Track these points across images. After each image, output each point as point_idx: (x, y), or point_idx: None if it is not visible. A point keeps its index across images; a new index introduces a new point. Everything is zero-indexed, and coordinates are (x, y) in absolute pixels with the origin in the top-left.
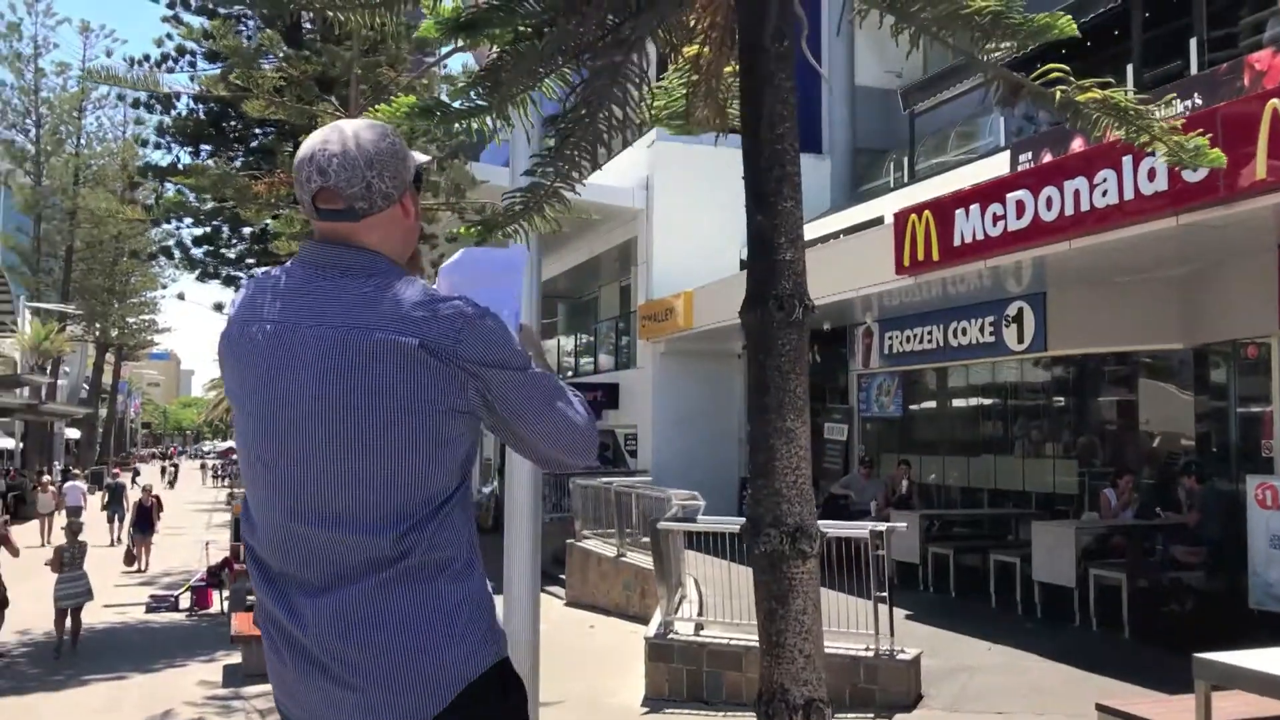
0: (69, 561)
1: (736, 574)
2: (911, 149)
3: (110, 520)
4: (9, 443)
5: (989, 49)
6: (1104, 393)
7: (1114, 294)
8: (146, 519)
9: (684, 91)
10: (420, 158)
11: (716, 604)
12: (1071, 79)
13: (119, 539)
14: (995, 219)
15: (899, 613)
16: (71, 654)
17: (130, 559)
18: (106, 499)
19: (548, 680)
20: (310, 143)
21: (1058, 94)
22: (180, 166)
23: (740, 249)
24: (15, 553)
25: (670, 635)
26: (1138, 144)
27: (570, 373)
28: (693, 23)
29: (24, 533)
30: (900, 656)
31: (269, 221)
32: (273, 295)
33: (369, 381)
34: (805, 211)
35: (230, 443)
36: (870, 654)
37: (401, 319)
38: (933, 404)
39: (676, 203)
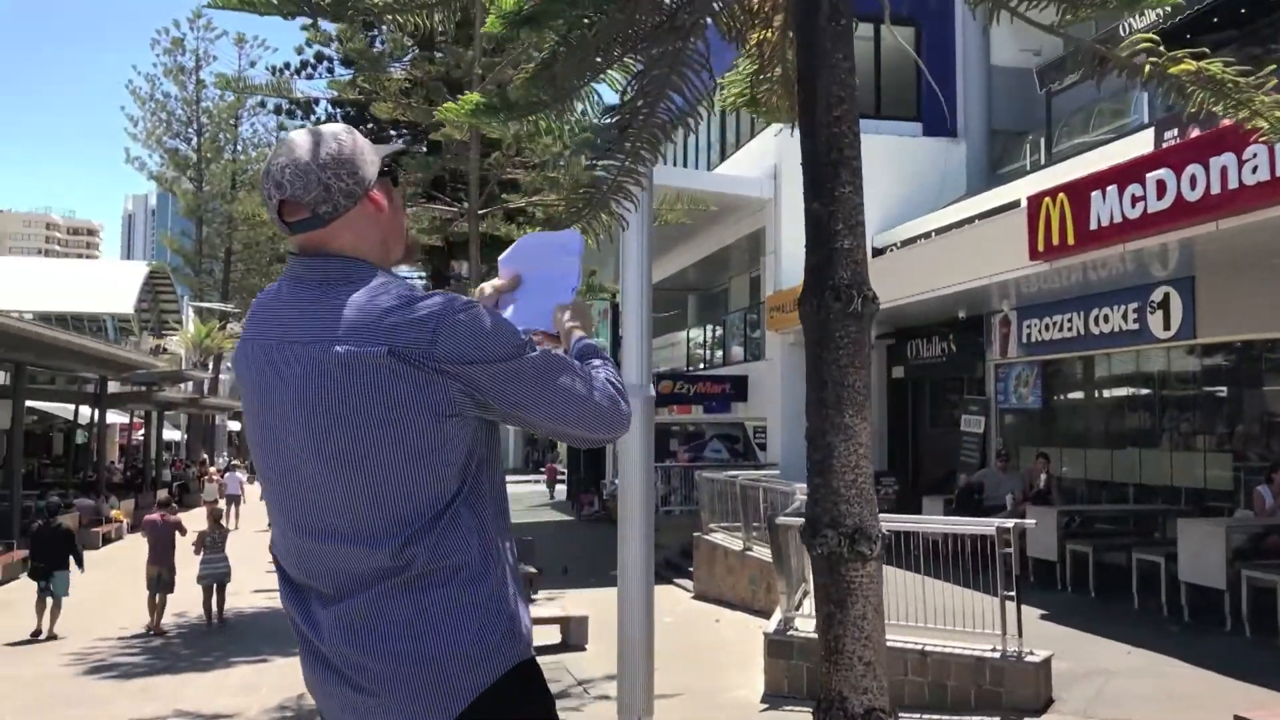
0: (210, 545)
1: None
2: (1049, 129)
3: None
4: (175, 434)
5: (1075, 19)
6: (1260, 382)
7: (1272, 277)
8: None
9: (748, 78)
10: (388, 148)
11: None
12: (1161, 50)
13: (236, 526)
14: (1134, 200)
15: (1033, 612)
16: (218, 630)
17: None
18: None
19: (670, 673)
20: (267, 162)
21: (1147, 66)
22: None
23: (873, 236)
24: (184, 532)
25: (790, 632)
26: (1237, 119)
27: (702, 365)
28: (755, 5)
29: (188, 520)
30: (1029, 658)
31: None
32: (265, 312)
33: (341, 396)
34: (940, 196)
35: None
36: (997, 655)
37: (370, 327)
38: (1074, 394)
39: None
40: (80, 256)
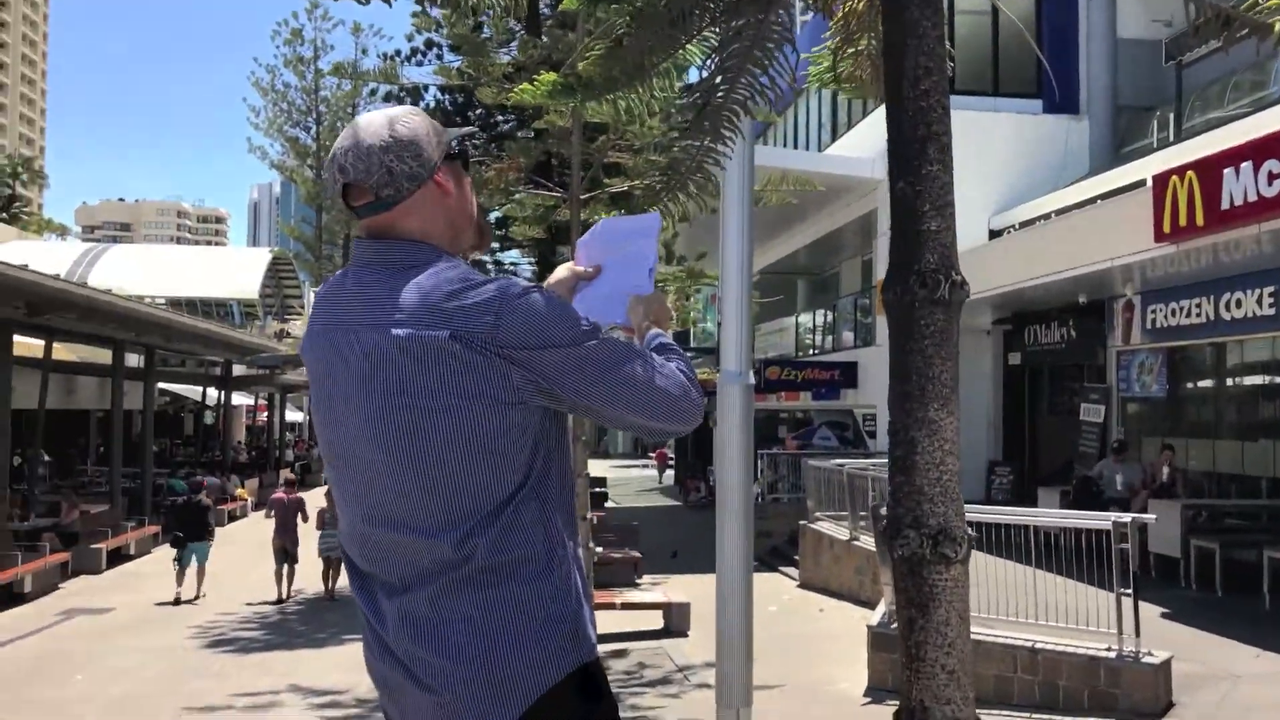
0: (329, 521)
1: (977, 561)
2: (1179, 104)
3: None
4: (297, 416)
5: None
6: None
7: None
8: None
9: (834, 52)
10: (458, 131)
11: None
12: None
13: None
14: (1271, 178)
15: (1153, 611)
16: (335, 604)
17: None
18: None
19: (771, 663)
20: (334, 146)
21: (1277, 26)
22: None
23: (990, 218)
24: (305, 518)
25: (894, 625)
26: None
27: (812, 351)
28: None
29: (309, 498)
30: (1146, 659)
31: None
32: (331, 298)
33: (401, 382)
34: (1061, 175)
35: None
36: (1112, 655)
37: (432, 310)
38: (1202, 383)
39: None
40: (209, 243)
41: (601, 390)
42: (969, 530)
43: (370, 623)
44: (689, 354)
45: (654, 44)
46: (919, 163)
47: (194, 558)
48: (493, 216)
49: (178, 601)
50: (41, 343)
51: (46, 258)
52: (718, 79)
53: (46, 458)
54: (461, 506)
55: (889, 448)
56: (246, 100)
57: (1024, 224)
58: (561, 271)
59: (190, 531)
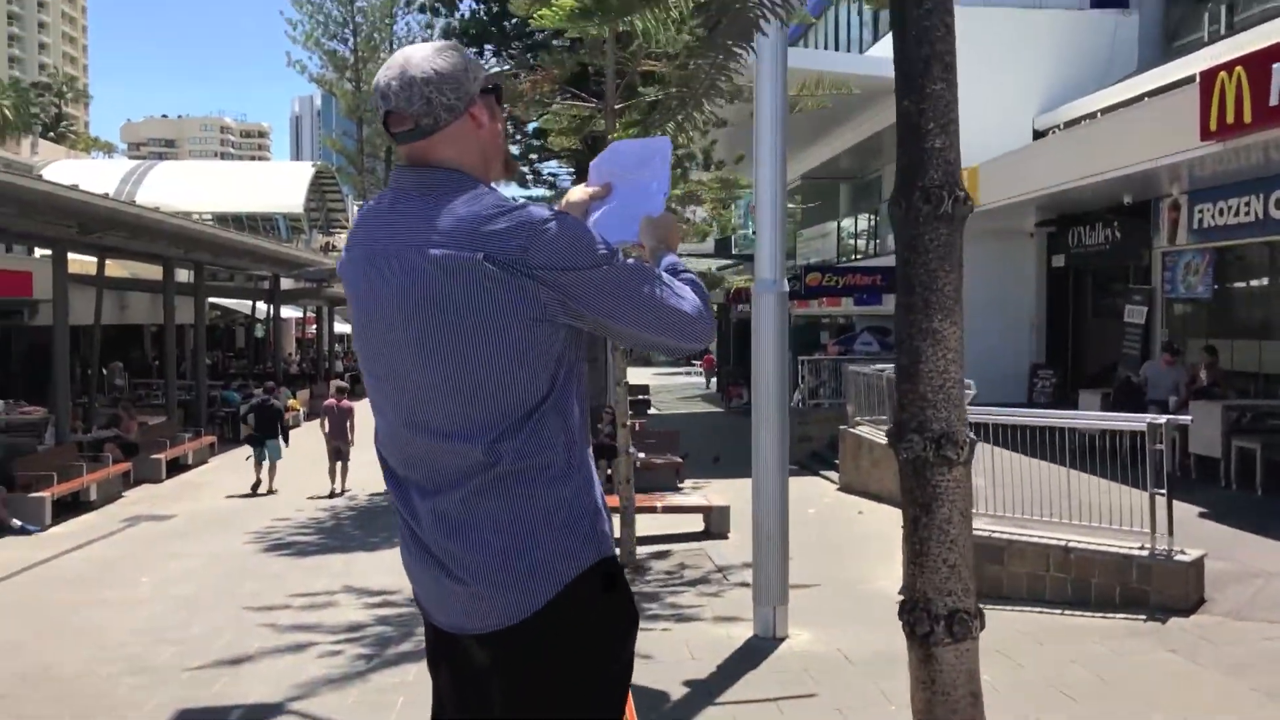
0: None
1: (1014, 464)
2: None
3: None
4: (346, 328)
5: None
6: None
7: None
8: None
9: None
10: (496, 71)
11: (992, 496)
12: None
13: None
14: None
15: (1191, 510)
16: (386, 508)
17: None
18: None
19: (809, 563)
20: (377, 75)
21: None
22: None
23: (1034, 117)
24: (353, 427)
25: None
26: None
27: (857, 256)
28: None
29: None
30: (1179, 557)
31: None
32: (370, 221)
33: (440, 298)
34: (1109, 73)
35: None
36: (1144, 553)
37: (467, 234)
38: (1251, 283)
39: (961, 72)
40: (252, 158)
41: (622, 309)
42: (970, 434)
43: (407, 522)
44: (731, 263)
45: None
46: (923, 81)
47: (268, 453)
48: (530, 128)
49: (256, 489)
50: (95, 260)
51: (94, 176)
52: None
53: (122, 366)
54: (491, 414)
55: (895, 356)
56: (284, 14)
57: (1069, 124)
58: (575, 193)
59: (266, 430)
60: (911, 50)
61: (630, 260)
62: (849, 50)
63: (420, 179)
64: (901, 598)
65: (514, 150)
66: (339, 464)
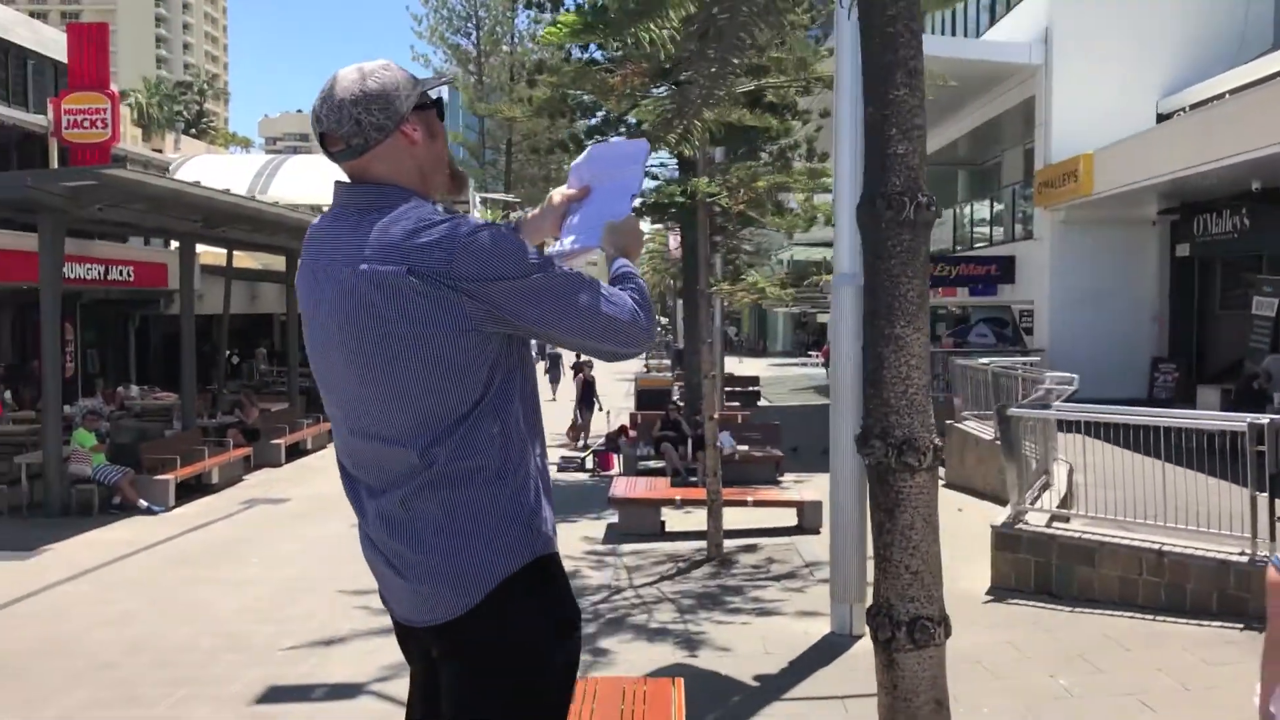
0: None
1: (1120, 461)
2: None
3: (551, 383)
4: None
5: None
6: None
7: None
8: (589, 395)
9: None
10: (433, 81)
11: (1088, 495)
12: None
13: (555, 398)
14: None
15: None
16: None
17: (575, 432)
18: (548, 365)
19: None
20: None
21: None
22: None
23: (1158, 100)
24: None
25: (1019, 525)
26: None
27: (980, 245)
28: None
29: None
30: None
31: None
32: (314, 237)
33: (368, 312)
34: (1240, 52)
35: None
36: (1244, 559)
37: (393, 248)
38: None
39: (1080, 55)
40: None
41: (553, 317)
42: (935, 440)
43: (360, 519)
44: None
45: None
46: (886, 88)
47: None
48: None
49: None
50: (224, 251)
51: (231, 170)
52: (714, 9)
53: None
54: (423, 420)
55: (863, 362)
56: (409, 9)
57: (1195, 106)
58: (555, 195)
59: None
60: (876, 56)
61: (564, 268)
62: (965, 35)
63: (354, 196)
64: (988, 599)
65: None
66: None
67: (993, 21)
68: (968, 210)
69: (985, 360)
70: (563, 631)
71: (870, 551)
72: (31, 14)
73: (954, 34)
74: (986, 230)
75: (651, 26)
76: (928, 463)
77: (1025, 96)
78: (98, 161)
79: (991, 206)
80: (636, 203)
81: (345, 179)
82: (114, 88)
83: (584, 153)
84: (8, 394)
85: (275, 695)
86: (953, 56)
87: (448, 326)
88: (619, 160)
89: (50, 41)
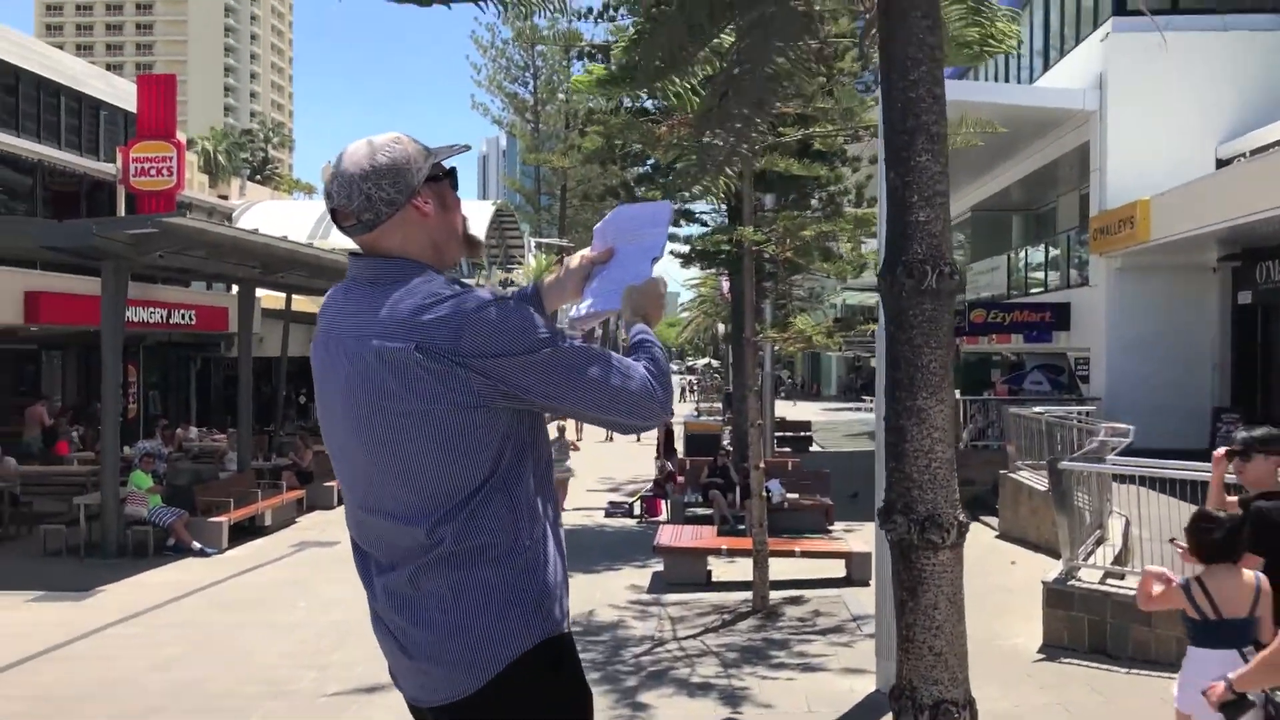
0: (558, 452)
1: (1180, 514)
2: None
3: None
4: None
5: None
6: None
7: None
8: (670, 443)
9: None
10: (445, 152)
11: (1146, 550)
12: None
13: (611, 437)
14: None
15: None
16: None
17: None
18: None
19: None
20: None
21: None
22: (597, 113)
23: (1217, 145)
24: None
25: (1071, 582)
26: None
27: (1036, 289)
28: None
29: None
30: None
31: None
32: (328, 310)
33: (376, 386)
34: None
35: (706, 359)
36: None
37: (402, 324)
38: None
39: (1135, 100)
40: None
41: (563, 391)
42: (960, 516)
43: (369, 594)
44: None
45: (677, 35)
46: (907, 154)
47: None
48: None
49: None
50: (284, 295)
51: (294, 216)
52: (736, 70)
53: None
54: (430, 498)
55: (885, 434)
56: (469, 58)
57: (1255, 151)
58: (574, 259)
59: None
60: (897, 122)
61: (574, 340)
62: (1019, 80)
63: (366, 269)
64: (1040, 657)
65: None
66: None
67: (1046, 67)
68: (1022, 255)
69: (1039, 409)
70: (575, 715)
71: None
72: (108, 66)
73: (1007, 80)
74: (1041, 275)
75: (676, 80)
76: (951, 540)
77: (1080, 142)
78: (163, 208)
79: (1046, 252)
80: (684, 249)
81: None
82: (181, 136)
83: (606, 216)
84: (75, 433)
85: None
86: (1006, 103)
87: (454, 403)
88: (642, 222)
89: (122, 92)
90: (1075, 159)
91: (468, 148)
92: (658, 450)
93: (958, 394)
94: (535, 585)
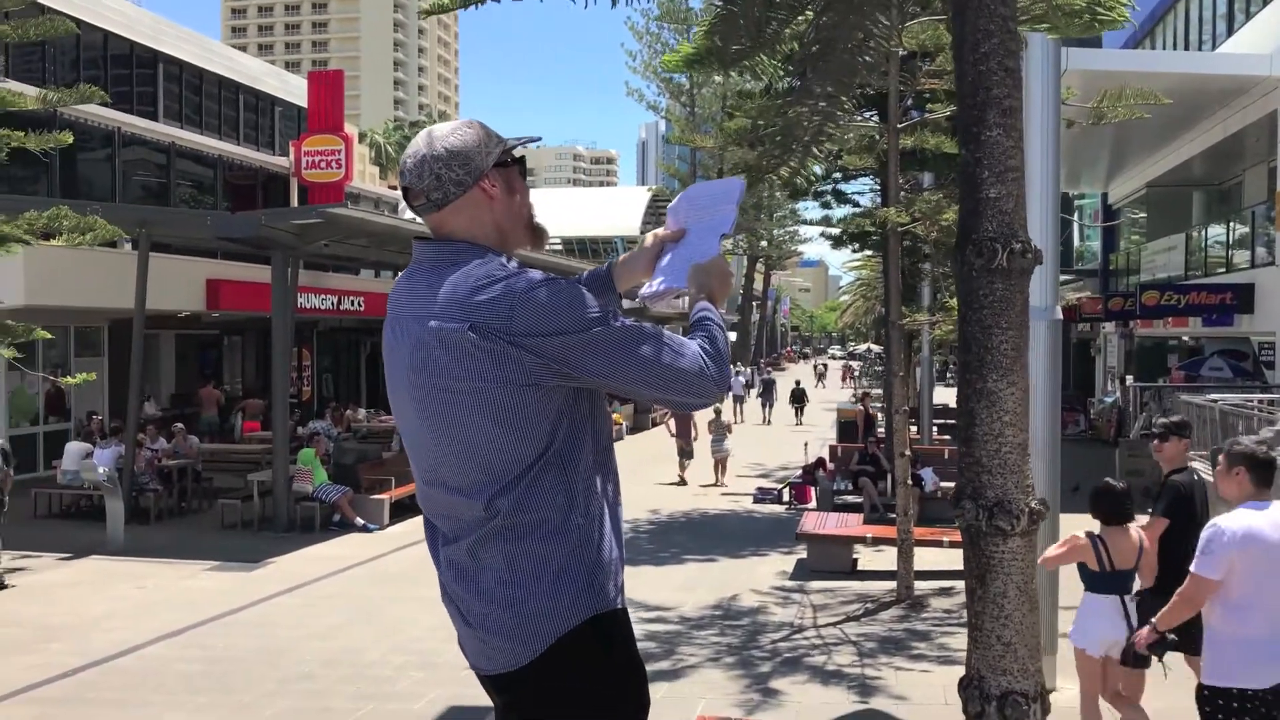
0: (715, 431)
1: None
2: None
3: (763, 406)
4: None
5: None
6: None
7: None
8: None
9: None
10: (517, 140)
11: None
12: None
13: (769, 420)
14: None
15: None
16: (686, 522)
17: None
18: (760, 389)
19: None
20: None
21: None
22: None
23: None
24: (697, 433)
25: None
26: None
27: (1222, 270)
28: None
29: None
30: None
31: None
32: (397, 290)
33: (433, 366)
34: None
35: (868, 344)
36: None
37: (458, 304)
38: None
39: None
40: (600, 183)
41: (615, 370)
42: (1032, 503)
43: (436, 565)
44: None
45: (762, 12)
46: (978, 129)
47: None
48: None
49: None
50: None
51: None
52: (814, 48)
53: None
54: (487, 472)
55: (957, 417)
56: (624, 45)
57: None
58: (648, 238)
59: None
60: (968, 96)
61: (625, 321)
62: (1199, 48)
63: (429, 251)
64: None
65: (817, 171)
66: (683, 461)
67: (1230, 32)
68: (1202, 234)
69: (1215, 396)
70: (624, 692)
71: (1062, 600)
72: (287, 64)
73: (1187, 47)
74: (1223, 254)
75: (762, 57)
76: (1021, 527)
77: (1267, 111)
78: (332, 199)
79: (1229, 230)
80: (834, 231)
81: (590, 203)
82: (350, 129)
83: (679, 194)
84: (238, 420)
85: (454, 715)
86: (1184, 71)
87: (508, 381)
88: (714, 199)
89: (295, 89)
90: (1262, 129)
91: (539, 139)
92: (858, 435)
93: (1129, 380)
94: (588, 561)
